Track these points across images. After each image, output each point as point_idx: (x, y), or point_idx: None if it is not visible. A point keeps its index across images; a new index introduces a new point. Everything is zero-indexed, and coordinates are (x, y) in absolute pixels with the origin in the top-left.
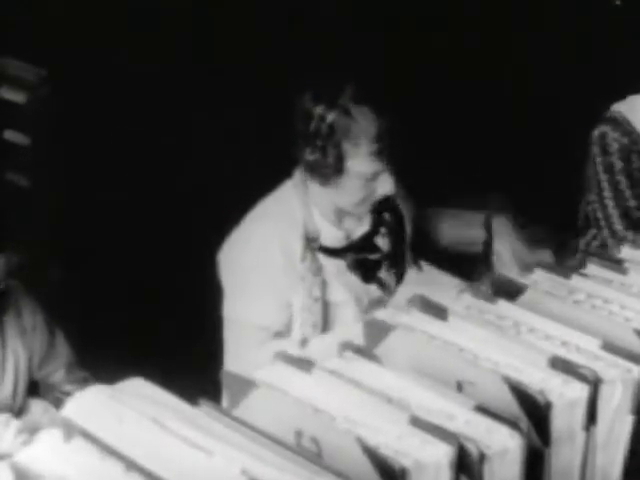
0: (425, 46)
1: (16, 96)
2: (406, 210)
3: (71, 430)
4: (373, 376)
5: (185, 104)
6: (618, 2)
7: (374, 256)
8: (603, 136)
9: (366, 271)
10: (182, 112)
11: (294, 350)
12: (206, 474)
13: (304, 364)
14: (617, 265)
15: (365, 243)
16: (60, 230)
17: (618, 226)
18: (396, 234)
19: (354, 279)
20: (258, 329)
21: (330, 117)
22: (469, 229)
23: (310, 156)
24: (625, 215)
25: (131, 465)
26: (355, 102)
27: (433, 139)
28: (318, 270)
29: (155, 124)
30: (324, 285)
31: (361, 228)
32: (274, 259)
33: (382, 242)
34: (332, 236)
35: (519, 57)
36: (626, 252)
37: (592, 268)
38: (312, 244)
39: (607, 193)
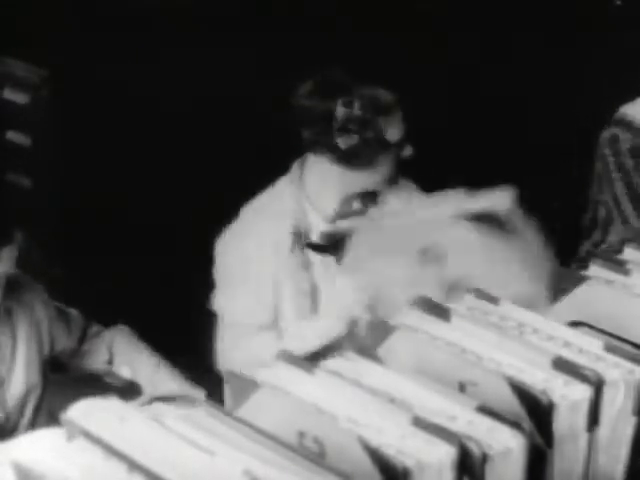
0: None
1: (18, 97)
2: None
3: (73, 430)
4: (375, 376)
5: (186, 104)
6: (619, 2)
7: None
8: (614, 138)
9: None
10: (183, 112)
11: (273, 342)
12: (208, 474)
13: (306, 364)
14: (620, 266)
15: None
16: (61, 230)
17: (635, 223)
18: None
19: (338, 280)
20: (245, 323)
21: (356, 101)
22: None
23: (345, 144)
24: None
25: (134, 465)
26: (362, 83)
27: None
28: (307, 264)
29: (156, 124)
30: (312, 281)
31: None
32: (263, 255)
33: None
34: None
35: (520, 57)
36: (629, 253)
37: (594, 269)
38: (300, 239)
39: (621, 191)
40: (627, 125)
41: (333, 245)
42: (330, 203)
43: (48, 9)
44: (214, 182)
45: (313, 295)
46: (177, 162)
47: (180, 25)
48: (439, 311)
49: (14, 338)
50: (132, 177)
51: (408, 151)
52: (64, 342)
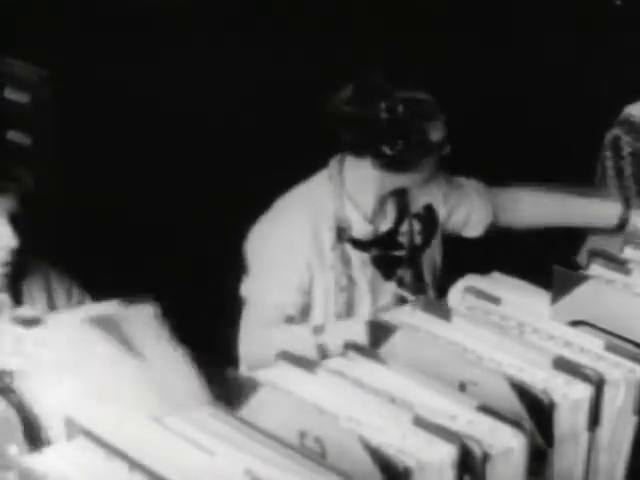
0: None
1: (18, 96)
2: (441, 201)
3: (74, 430)
4: (376, 376)
5: (186, 103)
6: (618, 2)
7: (397, 253)
8: (616, 140)
9: (388, 267)
10: (183, 111)
11: (308, 337)
12: (209, 474)
13: (308, 364)
14: (620, 265)
15: (389, 239)
16: (61, 231)
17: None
18: (424, 232)
19: (373, 276)
20: (272, 308)
21: (399, 106)
22: (602, 203)
23: (390, 151)
24: None
25: (135, 465)
26: (401, 86)
27: None
28: (347, 261)
29: (156, 124)
30: (350, 278)
31: (386, 223)
32: (299, 245)
33: (403, 240)
34: (361, 229)
35: (519, 57)
36: (630, 252)
37: (595, 268)
38: (343, 234)
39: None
40: (630, 126)
41: (374, 242)
42: (369, 201)
43: (48, 9)
44: (214, 182)
45: (350, 291)
46: (177, 161)
47: (180, 25)
48: (440, 311)
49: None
50: (132, 177)
51: (447, 150)
52: None
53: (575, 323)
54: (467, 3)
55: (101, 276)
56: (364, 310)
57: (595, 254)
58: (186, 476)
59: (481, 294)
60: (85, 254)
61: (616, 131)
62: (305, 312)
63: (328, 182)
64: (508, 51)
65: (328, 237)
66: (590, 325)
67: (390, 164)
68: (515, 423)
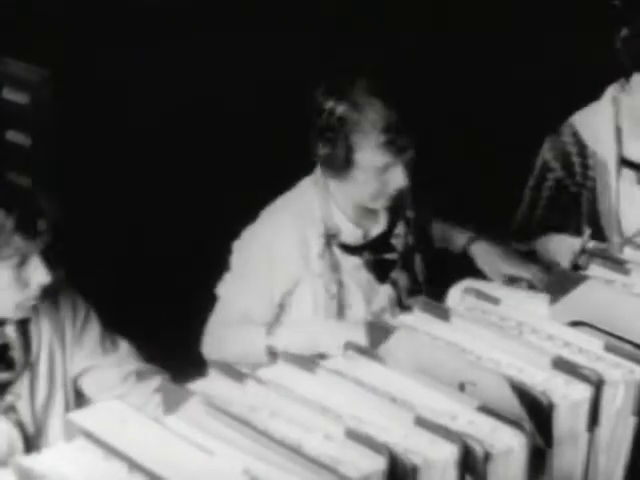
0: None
1: (18, 97)
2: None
3: (74, 431)
4: (376, 376)
5: (186, 103)
6: (618, 2)
7: (390, 256)
8: (541, 150)
9: (381, 271)
10: (183, 111)
11: (259, 338)
12: (208, 474)
13: (309, 364)
14: (619, 265)
15: (382, 242)
16: (61, 231)
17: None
18: (414, 234)
19: (367, 279)
20: (238, 313)
21: (339, 110)
22: (453, 231)
23: (322, 150)
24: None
25: (134, 465)
26: (366, 95)
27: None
28: (336, 267)
29: (156, 124)
30: (340, 284)
31: (378, 227)
32: (283, 254)
33: (396, 242)
34: (350, 234)
35: (519, 57)
36: (629, 253)
37: (594, 269)
38: (332, 240)
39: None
40: (554, 134)
41: (365, 246)
42: (354, 208)
43: (48, 9)
44: (215, 182)
45: (341, 297)
46: (177, 161)
47: (180, 25)
48: (439, 311)
49: (39, 347)
50: (132, 176)
51: (400, 180)
52: (92, 362)
53: (574, 323)
54: (468, 3)
55: (102, 277)
56: (357, 315)
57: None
58: (185, 476)
59: (480, 294)
60: (84, 254)
61: (545, 141)
62: (274, 323)
63: (314, 187)
64: (508, 51)
65: (316, 244)
66: (589, 325)
67: (323, 165)
68: (515, 423)
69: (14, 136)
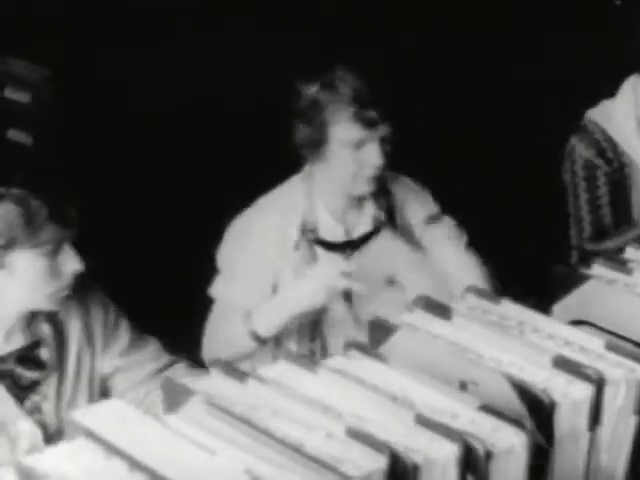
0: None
1: (19, 96)
2: (413, 205)
3: (75, 430)
4: (377, 375)
5: (186, 103)
6: (618, 2)
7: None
8: (572, 150)
9: None
10: (183, 111)
11: (240, 326)
12: (209, 473)
13: (309, 364)
14: (622, 265)
15: (364, 242)
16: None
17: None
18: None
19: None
20: (230, 306)
21: (313, 90)
22: None
23: (301, 132)
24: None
25: (135, 464)
26: (338, 72)
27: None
28: (312, 260)
29: (156, 124)
30: None
31: (363, 226)
32: (265, 247)
33: None
34: (332, 230)
35: (519, 57)
36: (631, 252)
37: (596, 268)
38: (308, 235)
39: (572, 212)
40: (583, 133)
41: (346, 244)
42: (336, 202)
43: (48, 9)
44: (215, 182)
45: None
46: (177, 161)
47: (180, 25)
48: (440, 310)
49: (67, 350)
50: (132, 176)
51: (374, 158)
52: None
53: (576, 323)
54: (468, 3)
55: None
56: (338, 310)
57: (595, 254)
58: (186, 475)
59: (482, 293)
60: (84, 253)
61: (573, 140)
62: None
63: (301, 183)
64: (508, 51)
65: (293, 236)
66: (591, 325)
67: (302, 149)
68: (516, 422)
69: (15, 135)
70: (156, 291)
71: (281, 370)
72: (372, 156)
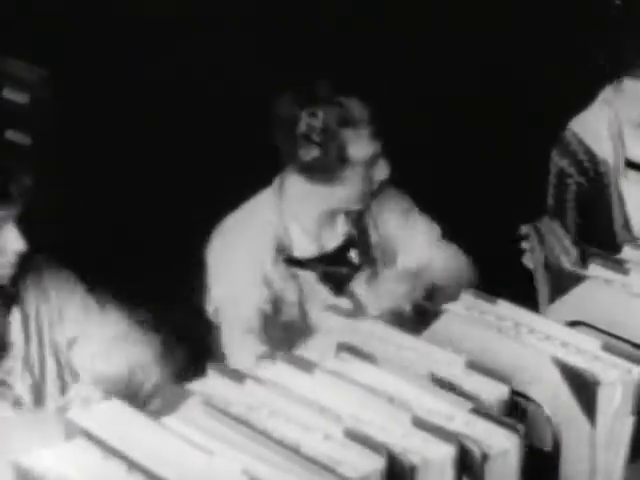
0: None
1: (18, 96)
2: (390, 210)
3: (73, 430)
4: (374, 377)
5: (186, 103)
6: (618, 2)
7: (345, 270)
8: (560, 175)
9: (337, 284)
10: (183, 111)
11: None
12: (207, 474)
13: (306, 364)
14: (619, 265)
15: (337, 256)
16: (60, 231)
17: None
18: (365, 246)
19: (325, 291)
20: (234, 323)
21: (321, 111)
22: None
23: (307, 156)
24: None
25: (133, 465)
26: (337, 92)
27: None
28: (292, 276)
29: (156, 124)
30: (302, 292)
31: (335, 239)
32: (248, 266)
33: (355, 256)
34: (304, 247)
35: (519, 57)
36: (628, 252)
37: (593, 268)
38: (281, 254)
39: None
40: (560, 143)
41: (312, 262)
42: (309, 218)
43: (47, 9)
44: (215, 182)
45: (301, 305)
46: (177, 160)
47: (181, 25)
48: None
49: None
50: (132, 175)
51: (383, 171)
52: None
53: (573, 323)
54: (468, 3)
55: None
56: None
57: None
58: (184, 476)
59: (478, 293)
60: (83, 253)
61: (558, 159)
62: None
63: (271, 198)
64: (507, 50)
65: (270, 253)
66: (588, 325)
67: (305, 171)
68: (509, 425)
69: (14, 135)
70: (155, 290)
71: (279, 371)
72: (381, 170)
